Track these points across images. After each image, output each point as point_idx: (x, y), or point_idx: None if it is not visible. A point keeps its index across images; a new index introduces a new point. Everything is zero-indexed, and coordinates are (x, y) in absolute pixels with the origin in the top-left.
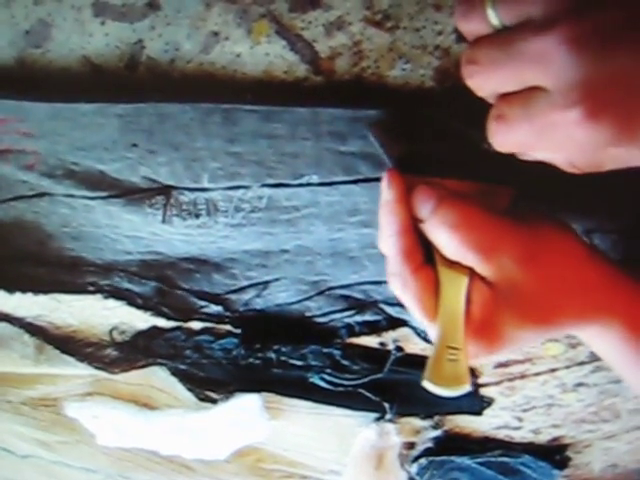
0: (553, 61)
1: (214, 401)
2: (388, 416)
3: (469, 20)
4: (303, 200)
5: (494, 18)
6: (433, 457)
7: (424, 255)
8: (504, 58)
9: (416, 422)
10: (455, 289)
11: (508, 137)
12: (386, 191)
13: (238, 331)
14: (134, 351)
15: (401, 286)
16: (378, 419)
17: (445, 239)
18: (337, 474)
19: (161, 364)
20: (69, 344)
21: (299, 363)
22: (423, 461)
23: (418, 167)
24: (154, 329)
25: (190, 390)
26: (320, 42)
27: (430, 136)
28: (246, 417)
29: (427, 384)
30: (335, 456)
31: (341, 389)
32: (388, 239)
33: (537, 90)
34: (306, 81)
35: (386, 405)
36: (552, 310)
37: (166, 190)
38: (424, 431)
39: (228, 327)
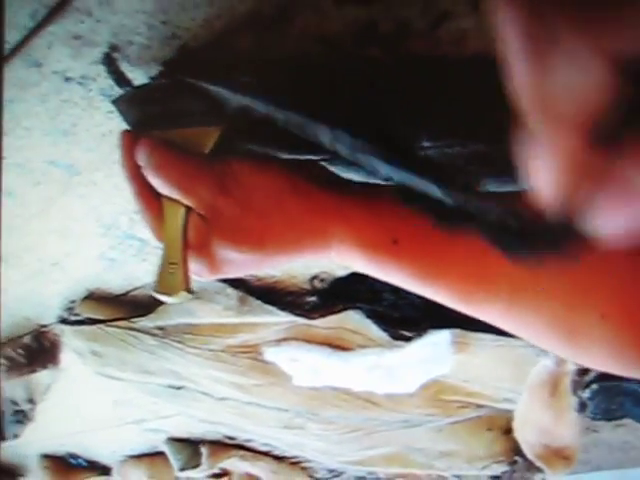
0: None
1: (407, 339)
2: None
3: None
4: None
5: None
6: (603, 382)
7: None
8: None
9: None
10: (174, 218)
11: None
12: (120, 149)
13: None
14: (333, 297)
15: (142, 216)
16: None
17: (154, 180)
18: (511, 402)
19: (358, 308)
20: (270, 294)
21: None
22: (595, 386)
23: (154, 125)
24: (354, 276)
25: (385, 330)
26: None
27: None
28: (436, 352)
29: (154, 293)
30: (511, 385)
31: None
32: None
33: None
34: None
35: None
36: (252, 233)
37: None
38: None
39: None
